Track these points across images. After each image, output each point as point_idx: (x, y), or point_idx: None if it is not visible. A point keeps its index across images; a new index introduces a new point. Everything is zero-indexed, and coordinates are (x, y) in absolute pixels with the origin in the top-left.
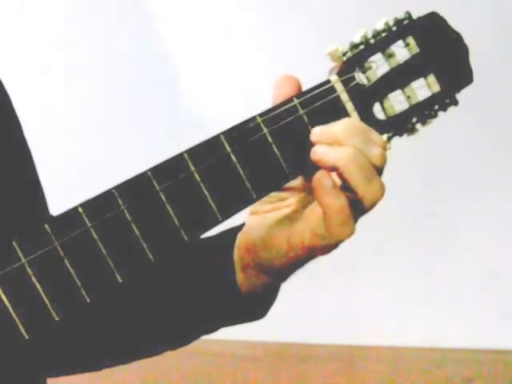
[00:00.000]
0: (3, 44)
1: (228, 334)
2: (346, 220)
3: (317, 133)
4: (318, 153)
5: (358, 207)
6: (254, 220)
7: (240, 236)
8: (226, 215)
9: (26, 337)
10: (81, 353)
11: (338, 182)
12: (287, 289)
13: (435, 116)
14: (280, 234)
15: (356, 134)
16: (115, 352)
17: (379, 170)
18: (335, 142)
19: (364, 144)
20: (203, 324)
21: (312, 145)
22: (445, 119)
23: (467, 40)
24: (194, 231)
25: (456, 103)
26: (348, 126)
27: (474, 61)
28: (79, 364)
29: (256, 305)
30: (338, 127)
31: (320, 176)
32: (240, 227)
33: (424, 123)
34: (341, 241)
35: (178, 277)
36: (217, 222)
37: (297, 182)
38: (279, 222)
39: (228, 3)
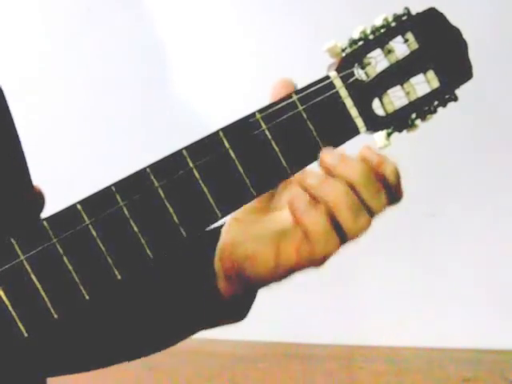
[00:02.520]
0: (3, 44)
1: (228, 334)
2: (327, 235)
3: (329, 162)
4: (310, 183)
5: (342, 237)
6: (239, 231)
7: (223, 247)
8: (226, 212)
9: (25, 334)
10: (74, 353)
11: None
12: (287, 289)
13: (435, 112)
14: (266, 252)
15: (369, 180)
16: (101, 353)
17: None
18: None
19: (373, 193)
20: (182, 327)
21: (316, 152)
22: (444, 119)
23: (466, 35)
24: (194, 228)
25: (455, 99)
26: (364, 171)
27: (473, 56)
28: (73, 364)
29: (237, 308)
30: (356, 170)
31: (293, 197)
32: (220, 228)
33: (423, 119)
34: (328, 255)
35: (157, 279)
36: (216, 219)
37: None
38: (266, 238)
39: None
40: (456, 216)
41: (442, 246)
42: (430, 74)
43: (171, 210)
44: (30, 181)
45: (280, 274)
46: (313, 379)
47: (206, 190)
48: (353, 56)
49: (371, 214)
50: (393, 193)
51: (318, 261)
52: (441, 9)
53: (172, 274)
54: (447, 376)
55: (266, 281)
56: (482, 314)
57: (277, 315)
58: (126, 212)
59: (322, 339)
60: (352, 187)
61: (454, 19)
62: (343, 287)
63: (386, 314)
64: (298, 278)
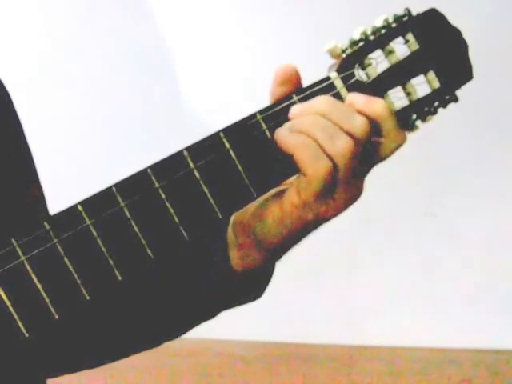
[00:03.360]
0: (3, 43)
1: (228, 333)
2: (313, 153)
3: (296, 111)
4: (287, 125)
5: (335, 171)
6: None
7: (234, 215)
8: (226, 212)
9: (26, 334)
10: (79, 350)
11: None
12: (287, 289)
13: (435, 113)
14: (273, 204)
15: (335, 106)
16: (116, 346)
17: (363, 143)
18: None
19: (343, 116)
20: (199, 310)
21: None
22: (444, 118)
23: (467, 36)
24: (194, 228)
25: (456, 100)
26: (327, 100)
27: (473, 57)
28: (78, 362)
29: (252, 285)
30: (319, 101)
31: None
32: None
33: (424, 120)
34: (321, 185)
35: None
36: (217, 219)
37: None
38: (272, 196)
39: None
40: (456, 216)
41: (442, 246)
42: (431, 74)
43: (172, 210)
44: (37, 180)
45: (289, 227)
46: (313, 379)
47: (206, 190)
48: (353, 57)
49: (352, 137)
50: (387, 131)
51: (316, 192)
52: (441, 9)
53: (182, 254)
54: (447, 376)
55: (277, 240)
56: (482, 313)
57: (277, 315)
58: (127, 213)
59: (321, 339)
60: (322, 116)
61: (454, 20)
62: (343, 287)
63: (386, 314)
64: (298, 278)
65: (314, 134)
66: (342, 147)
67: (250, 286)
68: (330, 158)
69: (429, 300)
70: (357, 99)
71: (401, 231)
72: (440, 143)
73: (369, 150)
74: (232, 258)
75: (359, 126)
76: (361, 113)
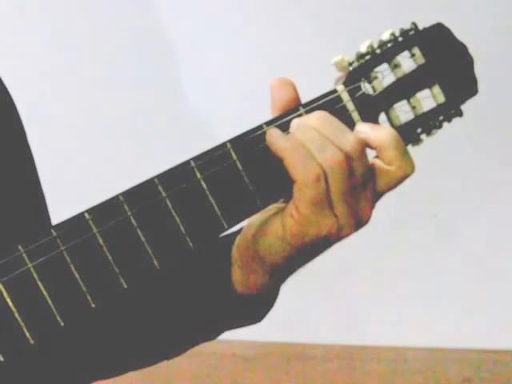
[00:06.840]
0: (3, 42)
1: (228, 333)
2: (303, 157)
3: (294, 125)
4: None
5: (326, 181)
6: (254, 216)
7: (240, 234)
8: (232, 223)
9: (32, 341)
10: (78, 363)
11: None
12: (287, 289)
13: (440, 127)
14: (275, 219)
15: (328, 121)
16: (113, 361)
17: (353, 159)
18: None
19: (335, 132)
20: (197, 329)
21: None
22: None
23: (472, 50)
24: (200, 238)
25: (460, 114)
26: (321, 116)
27: (477, 69)
28: (75, 375)
29: (253, 307)
30: (311, 116)
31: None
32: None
33: (429, 134)
34: (312, 191)
35: (172, 281)
36: (222, 230)
37: None
38: (276, 211)
39: (239, 7)
40: (456, 216)
41: (442, 246)
42: (436, 88)
43: (178, 220)
44: (39, 186)
45: (291, 244)
46: (313, 379)
47: (212, 201)
48: (360, 70)
49: (340, 149)
50: (391, 159)
51: (311, 200)
52: (448, 24)
53: (185, 274)
54: (447, 376)
55: (280, 258)
56: (482, 314)
57: (277, 315)
58: (134, 221)
59: (321, 339)
60: (315, 130)
61: (460, 35)
62: (343, 287)
63: (386, 314)
64: (298, 278)
65: (305, 144)
66: (330, 157)
67: (250, 310)
68: (320, 166)
69: (429, 300)
70: (364, 128)
71: (401, 231)
72: (440, 144)
73: (373, 175)
74: (234, 279)
75: (350, 142)
76: (367, 140)
